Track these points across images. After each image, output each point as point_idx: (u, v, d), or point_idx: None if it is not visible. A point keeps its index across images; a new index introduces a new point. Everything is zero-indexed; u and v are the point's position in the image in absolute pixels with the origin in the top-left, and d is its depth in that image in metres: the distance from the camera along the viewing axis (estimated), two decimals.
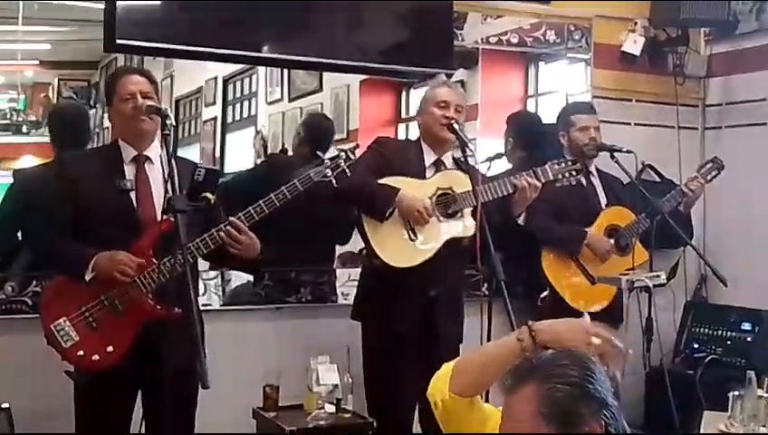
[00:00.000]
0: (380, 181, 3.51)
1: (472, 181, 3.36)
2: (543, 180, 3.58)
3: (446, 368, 2.03)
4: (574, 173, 3.69)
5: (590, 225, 4.12)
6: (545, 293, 4.06)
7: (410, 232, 3.48)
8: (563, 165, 3.66)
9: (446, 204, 3.53)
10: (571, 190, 4.17)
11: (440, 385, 2.00)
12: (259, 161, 4.74)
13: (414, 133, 4.84)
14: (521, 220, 3.70)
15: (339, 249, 4.40)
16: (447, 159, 3.65)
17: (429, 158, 3.62)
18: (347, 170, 3.20)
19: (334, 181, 3.19)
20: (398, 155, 3.62)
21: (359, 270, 3.86)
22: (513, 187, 3.54)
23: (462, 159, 3.47)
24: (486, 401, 2.71)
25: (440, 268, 3.49)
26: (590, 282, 4.08)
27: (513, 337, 1.93)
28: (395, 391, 3.48)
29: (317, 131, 4.42)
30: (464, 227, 3.49)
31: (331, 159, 3.21)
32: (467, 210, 3.50)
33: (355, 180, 3.36)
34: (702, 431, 3.06)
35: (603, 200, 4.22)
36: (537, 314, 3.95)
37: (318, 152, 3.28)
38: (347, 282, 4.24)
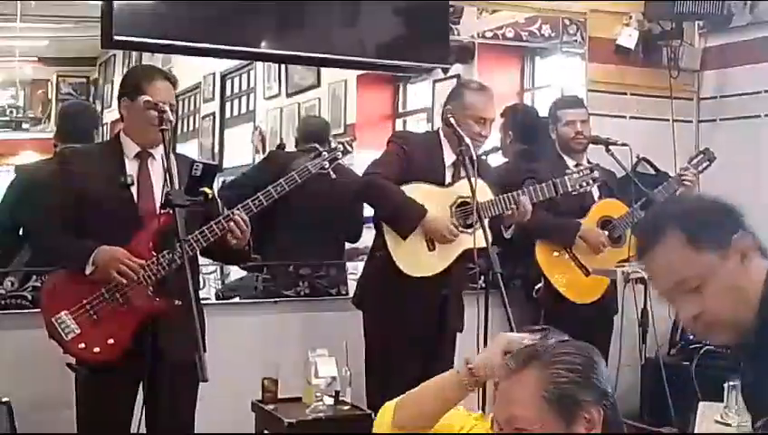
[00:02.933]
0: (407, 194, 3.51)
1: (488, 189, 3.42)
2: (561, 191, 3.67)
3: (391, 404, 2.02)
4: (591, 182, 3.76)
5: (583, 217, 4.13)
6: (539, 285, 4.08)
7: (429, 243, 3.55)
8: (579, 175, 3.73)
9: (466, 215, 3.55)
10: None
11: (386, 419, 2.00)
12: (258, 157, 4.74)
13: (410, 128, 4.87)
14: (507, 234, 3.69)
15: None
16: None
17: (449, 158, 3.63)
18: (346, 165, 3.24)
19: (332, 173, 3.22)
20: (420, 151, 3.63)
21: (359, 264, 3.87)
22: (514, 201, 3.56)
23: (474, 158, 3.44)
24: (483, 402, 2.74)
25: (450, 269, 3.58)
26: (584, 274, 4.11)
27: (453, 371, 1.96)
28: (396, 382, 3.51)
29: (312, 135, 4.38)
30: (480, 238, 3.33)
31: (328, 151, 3.24)
32: (485, 221, 3.44)
33: (381, 184, 3.45)
34: (697, 422, 3.08)
35: (596, 193, 4.23)
36: (533, 306, 4.04)
37: (316, 145, 3.29)
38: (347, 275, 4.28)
